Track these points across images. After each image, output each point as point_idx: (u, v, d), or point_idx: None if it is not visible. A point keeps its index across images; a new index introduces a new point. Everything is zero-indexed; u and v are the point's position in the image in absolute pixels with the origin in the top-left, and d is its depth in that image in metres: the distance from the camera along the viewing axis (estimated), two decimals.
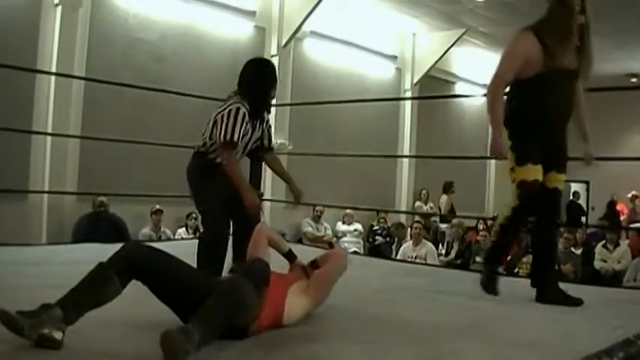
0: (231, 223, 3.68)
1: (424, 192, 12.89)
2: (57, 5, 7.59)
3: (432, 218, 11.98)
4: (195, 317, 2.12)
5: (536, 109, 3.47)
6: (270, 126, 3.85)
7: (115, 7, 8.36)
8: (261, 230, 3.07)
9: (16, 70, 5.84)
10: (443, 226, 11.52)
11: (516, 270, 7.19)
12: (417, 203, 12.88)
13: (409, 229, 10.47)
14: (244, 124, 3.49)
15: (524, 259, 7.35)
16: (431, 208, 12.67)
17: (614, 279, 8.26)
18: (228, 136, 3.44)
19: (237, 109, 3.49)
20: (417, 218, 10.45)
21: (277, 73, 3.75)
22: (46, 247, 5.92)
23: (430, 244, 8.49)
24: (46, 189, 7.49)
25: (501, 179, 15.98)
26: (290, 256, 3.05)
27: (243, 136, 3.51)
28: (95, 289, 2.29)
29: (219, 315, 2.17)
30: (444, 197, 12.22)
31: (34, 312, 2.14)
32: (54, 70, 7.43)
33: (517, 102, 3.53)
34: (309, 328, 2.48)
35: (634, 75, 14.83)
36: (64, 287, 2.29)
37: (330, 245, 9.16)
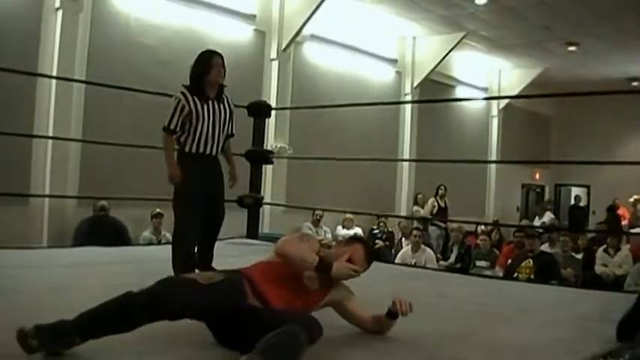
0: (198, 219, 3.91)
1: (420, 196, 12.90)
2: (58, 9, 7.60)
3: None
4: (259, 351, 2.06)
5: None
6: (230, 109, 4.03)
7: (115, 11, 8.37)
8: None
9: (17, 74, 5.85)
10: (431, 228, 11.55)
11: (515, 275, 7.17)
12: (415, 208, 12.89)
13: (401, 233, 10.53)
14: (180, 111, 3.84)
15: (524, 264, 7.34)
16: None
17: (615, 284, 8.24)
18: (165, 124, 3.89)
19: (175, 99, 3.89)
20: (415, 224, 10.45)
21: (221, 61, 3.98)
22: (47, 250, 5.93)
23: (429, 250, 8.46)
24: (47, 192, 7.49)
25: (502, 183, 16.01)
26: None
27: (191, 119, 3.83)
28: (118, 326, 2.16)
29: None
30: (430, 200, 12.19)
31: (52, 329, 2.10)
32: (55, 74, 7.44)
33: None
34: None
35: (635, 79, 14.84)
36: (65, 290, 2.28)
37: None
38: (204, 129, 3.85)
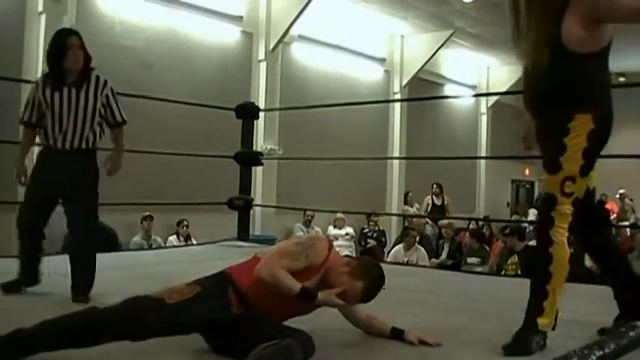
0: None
1: (411, 194, 12.91)
2: (41, 13, 7.54)
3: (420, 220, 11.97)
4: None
5: None
6: (107, 96, 3.59)
7: (100, 14, 8.32)
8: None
9: (0, 80, 5.79)
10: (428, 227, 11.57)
11: (503, 272, 7.21)
12: (405, 207, 12.89)
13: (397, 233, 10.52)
14: (32, 101, 3.44)
15: (510, 260, 7.39)
16: (417, 210, 12.67)
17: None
18: (20, 116, 3.51)
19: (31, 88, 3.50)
20: (410, 224, 10.44)
21: (79, 42, 3.52)
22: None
23: (422, 249, 8.47)
24: None
25: (492, 180, 16.04)
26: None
27: (45, 110, 3.39)
28: (78, 343, 2.09)
29: None
30: (426, 198, 12.22)
31: (7, 340, 2.04)
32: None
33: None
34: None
35: (622, 74, 14.91)
36: (53, 299, 2.25)
37: None
38: (55, 120, 3.37)
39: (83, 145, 3.47)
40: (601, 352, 2.37)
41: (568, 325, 2.82)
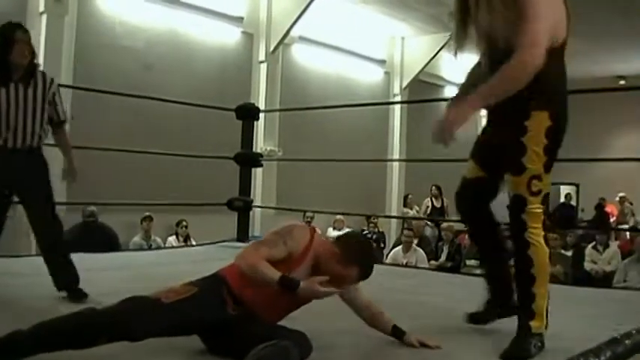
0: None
1: (411, 196, 12.89)
2: (42, 13, 7.55)
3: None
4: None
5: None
6: (54, 94, 3.47)
7: (101, 14, 8.33)
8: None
9: None
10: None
11: None
12: (404, 209, 12.88)
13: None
14: None
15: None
16: (417, 212, 12.66)
17: (604, 280, 8.27)
18: None
19: None
20: (407, 225, 10.43)
21: (27, 36, 3.31)
22: (35, 258, 5.86)
23: (421, 251, 8.47)
24: None
25: None
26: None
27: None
28: (75, 343, 2.08)
29: None
30: (425, 200, 12.20)
31: (5, 341, 2.04)
32: None
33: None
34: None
35: (622, 77, 14.92)
36: (52, 300, 2.25)
37: None
38: (2, 118, 3.24)
39: (34, 144, 3.38)
40: (609, 353, 2.37)
41: (566, 327, 2.83)
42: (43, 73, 3.46)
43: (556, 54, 2.41)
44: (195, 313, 2.24)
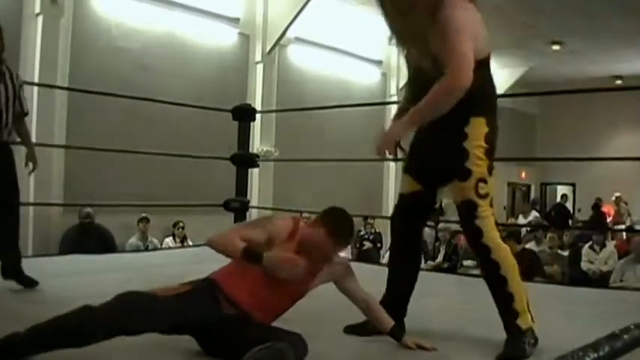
0: None
1: None
2: (38, 15, 7.52)
3: None
4: None
5: None
6: (21, 87, 3.55)
7: (97, 16, 8.32)
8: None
9: None
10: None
11: None
12: None
13: None
14: None
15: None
16: None
17: (601, 280, 8.29)
18: None
19: None
20: None
21: None
22: (32, 259, 5.86)
23: None
24: (31, 200, 7.41)
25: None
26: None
27: None
28: (72, 341, 2.08)
29: None
30: None
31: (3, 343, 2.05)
32: (36, 80, 7.36)
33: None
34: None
35: (619, 77, 14.94)
36: (50, 302, 2.24)
37: None
38: None
39: (8, 138, 3.46)
40: (595, 355, 2.37)
41: (562, 327, 2.84)
42: (8, 68, 3.48)
43: (484, 65, 2.49)
44: (191, 309, 2.24)
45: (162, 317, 2.17)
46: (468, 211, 2.48)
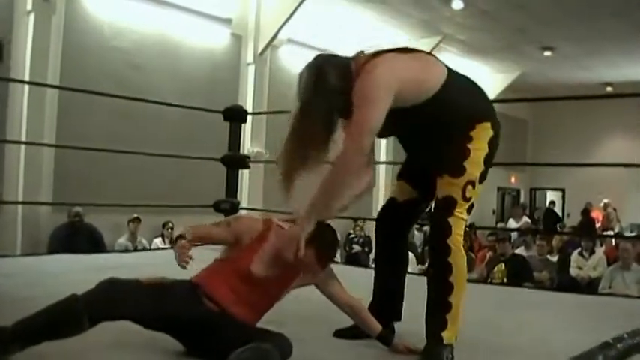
0: None
1: None
2: (30, 13, 7.49)
3: None
4: None
5: None
6: None
7: (89, 15, 8.28)
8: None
9: None
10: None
11: (489, 279, 7.26)
12: None
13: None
14: None
15: (496, 268, 7.46)
16: None
17: (589, 286, 8.32)
18: None
19: None
20: None
21: None
22: (20, 258, 5.83)
23: (410, 254, 8.49)
24: (21, 199, 7.37)
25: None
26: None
27: None
28: (59, 329, 2.08)
29: None
30: None
31: None
32: (27, 78, 7.33)
33: None
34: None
35: (609, 84, 15.02)
36: (38, 299, 2.23)
37: None
38: None
39: None
40: (601, 357, 2.38)
41: (551, 333, 2.84)
42: None
43: (448, 88, 2.49)
44: (173, 299, 2.24)
45: (145, 303, 2.16)
46: (446, 207, 2.41)
